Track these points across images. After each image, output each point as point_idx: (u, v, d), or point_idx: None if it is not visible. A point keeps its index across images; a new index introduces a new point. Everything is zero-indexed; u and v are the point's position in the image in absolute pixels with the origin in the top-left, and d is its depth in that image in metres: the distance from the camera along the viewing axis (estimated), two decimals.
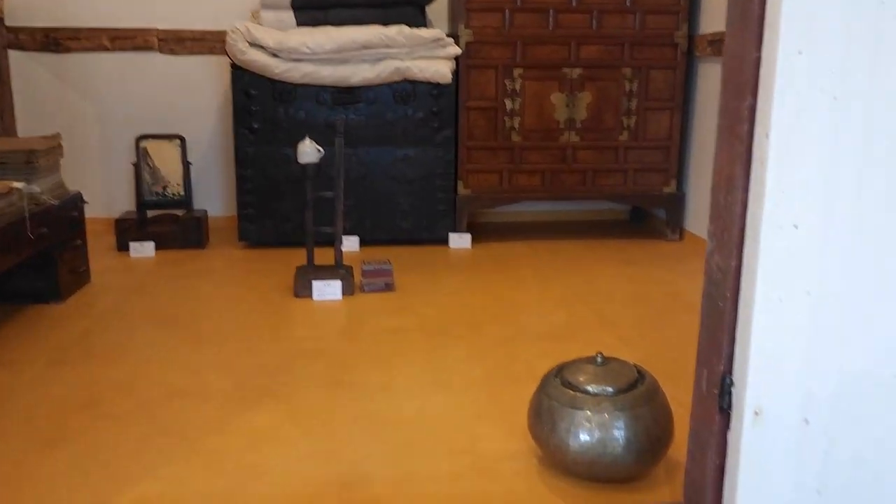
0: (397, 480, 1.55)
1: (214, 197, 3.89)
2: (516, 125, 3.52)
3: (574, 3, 3.43)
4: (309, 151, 2.76)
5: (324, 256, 2.88)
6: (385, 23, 3.33)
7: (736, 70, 1.13)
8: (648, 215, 4.13)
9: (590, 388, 1.51)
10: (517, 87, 3.49)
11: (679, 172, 3.66)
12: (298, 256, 2.96)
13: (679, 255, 3.47)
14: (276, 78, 3.28)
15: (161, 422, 1.81)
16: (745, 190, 1.12)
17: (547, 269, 3.21)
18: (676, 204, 3.68)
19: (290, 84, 3.32)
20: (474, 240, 3.62)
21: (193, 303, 2.74)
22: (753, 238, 1.11)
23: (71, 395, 1.96)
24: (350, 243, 3.42)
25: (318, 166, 2.79)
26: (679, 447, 1.52)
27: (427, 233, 3.57)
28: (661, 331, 2.45)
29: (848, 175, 1.09)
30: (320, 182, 2.85)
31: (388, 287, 2.87)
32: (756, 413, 1.15)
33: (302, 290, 2.79)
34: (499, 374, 2.10)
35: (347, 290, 2.80)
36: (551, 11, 3.43)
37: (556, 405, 1.51)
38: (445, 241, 3.59)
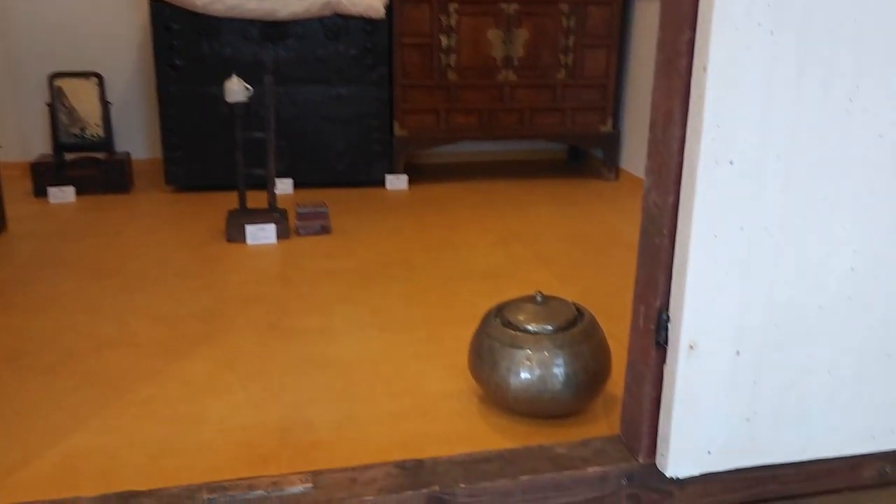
0: (339, 424, 1.54)
1: (137, 138, 3.71)
2: (452, 63, 3.45)
3: None
4: (237, 90, 2.64)
5: (257, 199, 2.80)
6: None
7: (674, 3, 1.11)
8: (586, 155, 4.15)
9: (530, 327, 1.52)
10: (452, 22, 3.40)
11: (615, 111, 3.67)
12: (230, 200, 2.87)
13: (615, 194, 3.51)
14: (199, 11, 3.11)
15: (89, 373, 1.74)
16: (683, 125, 1.12)
17: (484, 209, 3.20)
18: (612, 143, 3.69)
19: (215, 18, 3.15)
20: (411, 181, 3.57)
21: (120, 250, 2.63)
22: (690, 174, 1.11)
23: None
24: (284, 186, 3.33)
25: (247, 105, 2.68)
26: (616, 382, 1.56)
27: (363, 175, 3.50)
28: (599, 269, 2.49)
29: (783, 110, 1.10)
30: (250, 122, 2.74)
31: (325, 230, 2.82)
32: (691, 347, 1.18)
33: (235, 234, 2.71)
34: (438, 314, 2.10)
35: (282, 234, 2.74)
36: None
37: (497, 345, 1.51)
38: (382, 183, 3.53)
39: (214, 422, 1.55)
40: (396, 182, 3.53)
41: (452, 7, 3.38)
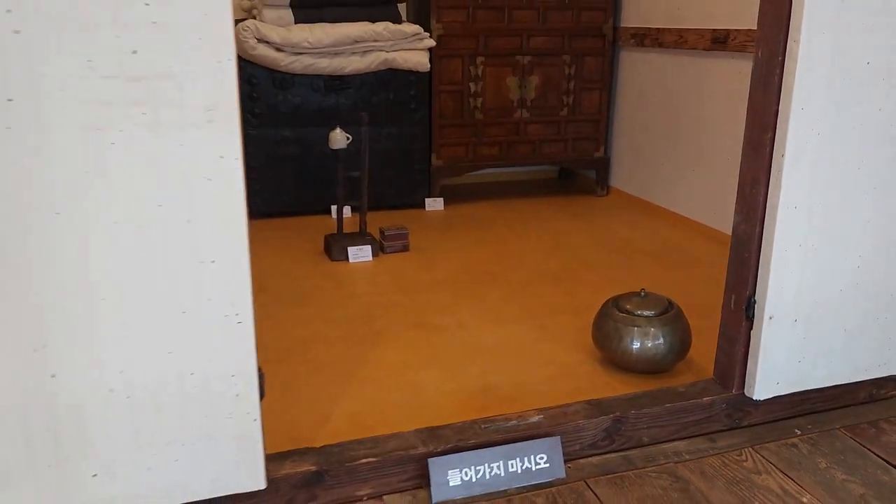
0: (515, 385, 2.24)
1: None
2: (479, 104, 4.18)
3: (525, 1, 4.10)
4: (339, 139, 3.29)
5: (327, 224, 3.42)
6: (370, 19, 3.85)
7: (759, 114, 1.89)
8: (574, 174, 4.95)
9: (641, 313, 2.27)
10: (479, 72, 4.13)
11: (606, 140, 4.49)
12: (302, 224, 3.53)
13: (611, 208, 4.32)
14: (281, 69, 3.72)
15: (320, 361, 2.36)
16: (766, 186, 1.89)
17: (516, 225, 3.94)
18: (604, 166, 4.51)
19: (290, 74, 3.77)
20: (444, 202, 4.28)
21: (253, 269, 3.21)
22: (771, 217, 1.89)
23: None
24: (344, 210, 3.97)
25: (346, 151, 3.32)
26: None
27: (406, 198, 4.18)
28: (630, 270, 3.25)
29: (825, 175, 1.89)
30: (350, 163, 3.39)
31: (405, 248, 3.49)
32: (770, 318, 1.95)
33: (338, 254, 3.34)
34: (535, 310, 2.81)
35: (375, 252, 3.40)
36: (507, 8, 4.09)
37: (621, 325, 2.25)
38: (421, 205, 4.23)
39: (432, 389, 2.22)
40: (434, 204, 4.23)
41: (479, 60, 4.11)
